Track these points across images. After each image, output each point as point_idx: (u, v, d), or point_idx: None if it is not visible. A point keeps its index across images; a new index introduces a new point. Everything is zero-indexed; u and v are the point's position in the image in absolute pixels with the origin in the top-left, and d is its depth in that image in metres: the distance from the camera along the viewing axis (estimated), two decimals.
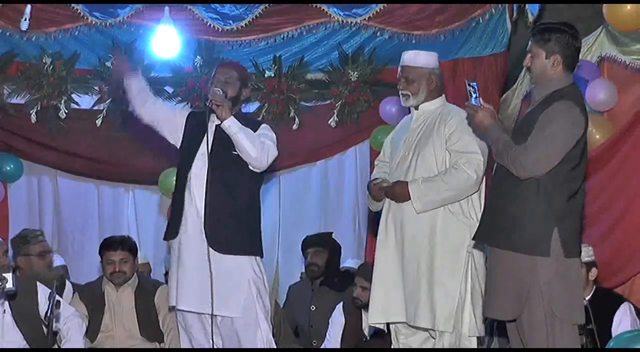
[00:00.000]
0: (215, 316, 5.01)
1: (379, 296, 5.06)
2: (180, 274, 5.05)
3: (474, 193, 4.99)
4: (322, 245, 6.72)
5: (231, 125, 4.99)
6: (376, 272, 5.10)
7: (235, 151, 5.03)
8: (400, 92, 5.14)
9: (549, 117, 4.18)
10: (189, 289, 5.02)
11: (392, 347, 5.21)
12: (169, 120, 5.26)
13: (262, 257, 5.18)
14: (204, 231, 4.98)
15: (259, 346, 5.03)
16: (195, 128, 5.16)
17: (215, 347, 5.06)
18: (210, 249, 4.95)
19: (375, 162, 5.44)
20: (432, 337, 5.01)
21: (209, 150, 5.00)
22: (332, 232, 7.05)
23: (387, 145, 5.35)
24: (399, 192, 4.98)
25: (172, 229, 5.12)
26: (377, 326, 5.21)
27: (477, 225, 4.54)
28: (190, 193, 5.04)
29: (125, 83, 5.18)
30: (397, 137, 5.28)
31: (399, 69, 5.18)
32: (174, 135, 5.25)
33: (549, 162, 4.18)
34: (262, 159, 5.03)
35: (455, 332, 4.91)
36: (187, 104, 7.29)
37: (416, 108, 5.15)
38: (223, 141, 5.03)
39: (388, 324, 5.19)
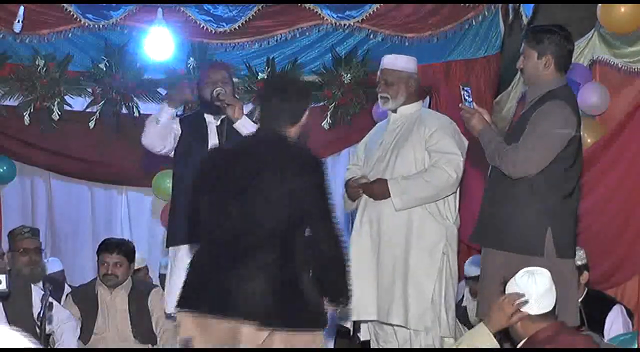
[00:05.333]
0: None
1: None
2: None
3: (451, 194, 5.03)
4: None
5: (245, 125, 4.97)
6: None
7: None
8: (379, 95, 5.20)
9: (540, 117, 4.21)
10: None
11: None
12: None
13: None
14: None
15: None
16: (194, 133, 5.12)
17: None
18: None
19: (348, 166, 5.47)
20: (403, 341, 5.02)
21: None
22: None
23: (360, 150, 5.40)
24: (378, 189, 5.01)
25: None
26: (345, 324, 5.22)
27: (474, 227, 4.56)
28: None
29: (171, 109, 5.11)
30: (372, 141, 5.33)
31: (379, 72, 5.23)
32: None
33: (540, 161, 4.20)
34: None
35: (433, 333, 4.93)
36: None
37: (394, 111, 5.20)
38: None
39: (355, 324, 5.21)
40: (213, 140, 5.06)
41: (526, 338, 3.78)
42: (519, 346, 3.83)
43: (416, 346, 4.95)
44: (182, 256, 5.04)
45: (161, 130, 5.09)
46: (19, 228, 6.18)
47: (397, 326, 5.01)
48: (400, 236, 4.99)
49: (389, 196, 4.98)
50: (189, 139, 5.15)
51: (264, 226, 3.69)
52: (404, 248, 4.98)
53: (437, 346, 4.95)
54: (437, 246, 4.96)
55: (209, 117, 5.10)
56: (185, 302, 3.77)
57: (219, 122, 5.13)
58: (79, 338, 5.60)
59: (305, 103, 3.95)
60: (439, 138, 5.02)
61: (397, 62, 5.22)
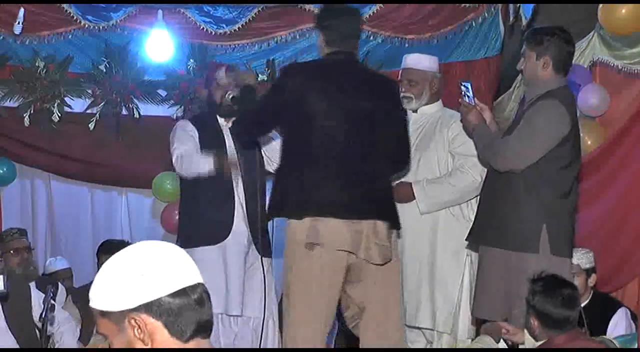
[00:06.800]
0: (237, 316, 5.03)
1: None
2: (227, 280, 4.97)
3: (476, 196, 5.01)
4: None
5: None
6: None
7: (255, 150, 5.04)
8: (402, 95, 5.12)
9: (533, 113, 4.26)
10: (239, 294, 4.97)
11: None
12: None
13: None
14: (250, 235, 4.98)
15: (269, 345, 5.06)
16: (211, 136, 5.11)
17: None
18: (257, 252, 4.99)
19: None
20: (429, 341, 5.02)
21: (237, 154, 5.04)
22: None
23: None
24: (402, 193, 4.98)
25: (220, 234, 5.00)
26: None
27: (471, 227, 4.57)
28: (238, 197, 5.00)
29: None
30: None
31: (401, 71, 5.19)
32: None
33: (528, 156, 4.23)
34: None
35: (453, 334, 4.94)
36: (180, 107, 7.28)
37: (415, 111, 5.16)
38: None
39: None
40: (229, 143, 5.06)
41: (543, 341, 3.82)
42: (536, 346, 3.87)
43: (438, 346, 4.96)
44: (197, 258, 5.02)
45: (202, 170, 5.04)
46: (7, 230, 6.24)
47: (425, 329, 5.01)
48: (425, 239, 4.98)
49: (414, 200, 4.96)
50: (206, 142, 5.13)
51: (380, 139, 4.25)
52: (429, 251, 4.97)
53: (454, 346, 4.95)
54: (462, 248, 4.94)
55: (220, 120, 5.10)
56: (326, 210, 4.16)
57: (230, 125, 5.11)
58: (79, 339, 5.59)
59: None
60: (463, 140, 4.96)
61: (421, 61, 5.18)
